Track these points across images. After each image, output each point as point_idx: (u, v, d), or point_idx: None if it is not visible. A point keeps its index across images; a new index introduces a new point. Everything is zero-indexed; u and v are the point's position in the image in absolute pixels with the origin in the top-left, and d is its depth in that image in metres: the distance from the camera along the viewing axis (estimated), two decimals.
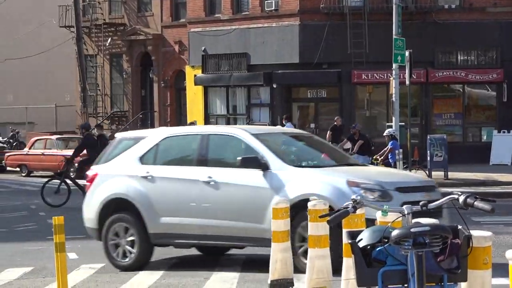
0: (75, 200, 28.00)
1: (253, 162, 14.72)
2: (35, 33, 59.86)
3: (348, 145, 32.76)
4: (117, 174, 16.26)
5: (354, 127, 33.81)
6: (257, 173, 14.69)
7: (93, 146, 29.29)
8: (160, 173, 15.70)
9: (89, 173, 17.06)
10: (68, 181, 28.60)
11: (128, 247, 15.67)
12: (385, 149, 31.69)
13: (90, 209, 16.28)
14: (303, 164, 15.68)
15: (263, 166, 14.65)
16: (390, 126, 35.19)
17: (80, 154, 30.68)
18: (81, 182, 28.77)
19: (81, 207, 22.33)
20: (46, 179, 30.88)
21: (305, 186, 14.32)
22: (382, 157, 31.63)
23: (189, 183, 15.44)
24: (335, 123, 37.41)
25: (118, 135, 17.93)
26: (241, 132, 15.71)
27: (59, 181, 28.80)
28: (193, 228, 15.29)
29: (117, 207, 16.01)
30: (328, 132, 36.01)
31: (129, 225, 15.70)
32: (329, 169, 15.29)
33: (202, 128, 17.47)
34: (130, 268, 15.45)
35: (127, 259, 15.67)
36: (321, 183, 14.38)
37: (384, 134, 32.95)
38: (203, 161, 15.57)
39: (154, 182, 15.69)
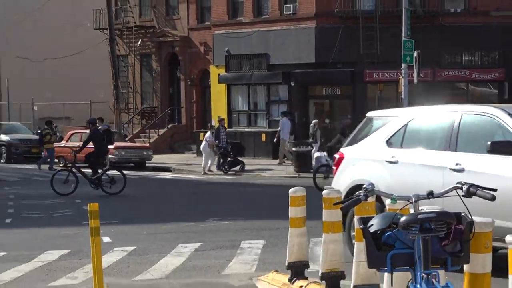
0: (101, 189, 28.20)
1: (507, 147, 12.16)
2: (71, 35, 60.12)
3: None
4: (362, 157, 13.96)
5: (343, 122, 34.11)
6: (510, 161, 12.10)
7: (99, 140, 29.24)
8: (405, 158, 13.16)
9: (336, 155, 14.69)
10: (75, 171, 28.52)
11: None
12: None
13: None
14: None
15: None
16: None
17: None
18: (86, 171, 28.87)
19: (94, 196, 22.28)
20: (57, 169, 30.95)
21: None
22: None
23: (435, 170, 12.78)
24: (348, 117, 37.51)
25: (369, 114, 15.02)
26: (497, 111, 12.80)
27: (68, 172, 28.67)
28: None
29: None
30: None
31: None
32: None
33: (453, 107, 13.86)
34: None
35: None
36: None
37: None
38: (451, 145, 12.87)
39: (398, 168, 13.17)
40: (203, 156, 38.27)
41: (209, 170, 37.62)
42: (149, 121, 53.61)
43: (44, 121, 55.62)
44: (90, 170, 28.76)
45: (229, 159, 37.87)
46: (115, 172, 29.24)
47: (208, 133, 38.83)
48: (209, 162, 37.92)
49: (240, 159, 38.48)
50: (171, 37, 52.28)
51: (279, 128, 40.64)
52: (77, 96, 57.76)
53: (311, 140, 38.85)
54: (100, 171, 28.57)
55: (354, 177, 13.75)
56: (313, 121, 39.63)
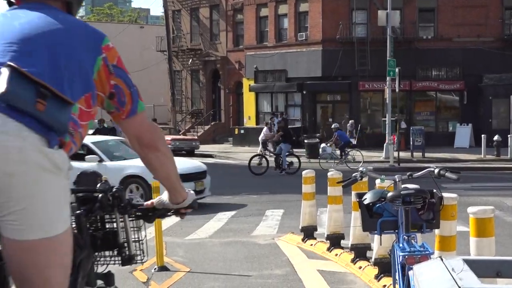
0: None
1: None
2: (140, 55, 60.29)
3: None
4: None
5: (280, 121, 34.20)
6: None
7: (106, 135, 29.04)
8: None
9: None
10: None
11: None
12: (333, 137, 31.58)
13: None
14: None
15: None
16: (384, 121, 34.99)
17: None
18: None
19: None
20: None
21: None
22: (332, 142, 31.45)
23: None
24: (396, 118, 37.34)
25: None
26: None
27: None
28: None
29: None
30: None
31: None
32: None
33: None
34: None
35: None
36: None
37: (332, 127, 32.88)
38: None
39: None
40: (260, 145, 37.91)
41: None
42: (197, 120, 53.67)
43: None
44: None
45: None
46: None
47: (265, 128, 38.46)
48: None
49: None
50: (214, 57, 52.32)
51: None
52: (143, 101, 57.93)
53: (348, 135, 38.81)
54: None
55: None
56: (350, 121, 39.55)
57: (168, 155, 3.33)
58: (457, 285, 2.67)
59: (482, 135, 33.87)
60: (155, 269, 10.34)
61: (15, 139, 2.63)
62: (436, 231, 7.12)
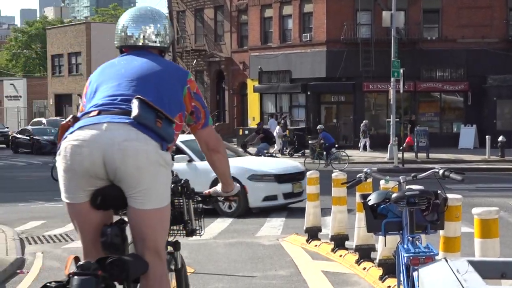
0: None
1: None
2: None
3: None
4: None
5: (259, 124, 34.62)
6: None
7: None
8: None
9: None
10: None
11: None
12: (318, 139, 31.86)
13: None
14: None
15: None
16: (389, 122, 34.98)
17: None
18: None
19: None
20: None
21: None
22: (316, 143, 31.71)
23: None
24: (412, 119, 37.47)
25: None
26: None
27: None
28: None
29: None
30: (409, 126, 35.39)
31: None
32: None
33: None
34: None
35: None
36: None
37: (317, 128, 33.25)
38: None
39: None
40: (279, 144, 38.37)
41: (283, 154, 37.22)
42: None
43: None
44: None
45: (292, 146, 37.98)
46: None
47: (278, 127, 38.66)
48: (277, 148, 37.79)
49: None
50: (218, 58, 52.35)
51: (268, 126, 40.48)
52: None
53: (361, 135, 38.84)
54: None
55: None
56: (364, 121, 39.54)
57: (226, 157, 4.57)
58: (462, 286, 2.66)
59: (487, 136, 33.82)
60: None
61: (143, 145, 3.91)
62: (441, 232, 7.11)
